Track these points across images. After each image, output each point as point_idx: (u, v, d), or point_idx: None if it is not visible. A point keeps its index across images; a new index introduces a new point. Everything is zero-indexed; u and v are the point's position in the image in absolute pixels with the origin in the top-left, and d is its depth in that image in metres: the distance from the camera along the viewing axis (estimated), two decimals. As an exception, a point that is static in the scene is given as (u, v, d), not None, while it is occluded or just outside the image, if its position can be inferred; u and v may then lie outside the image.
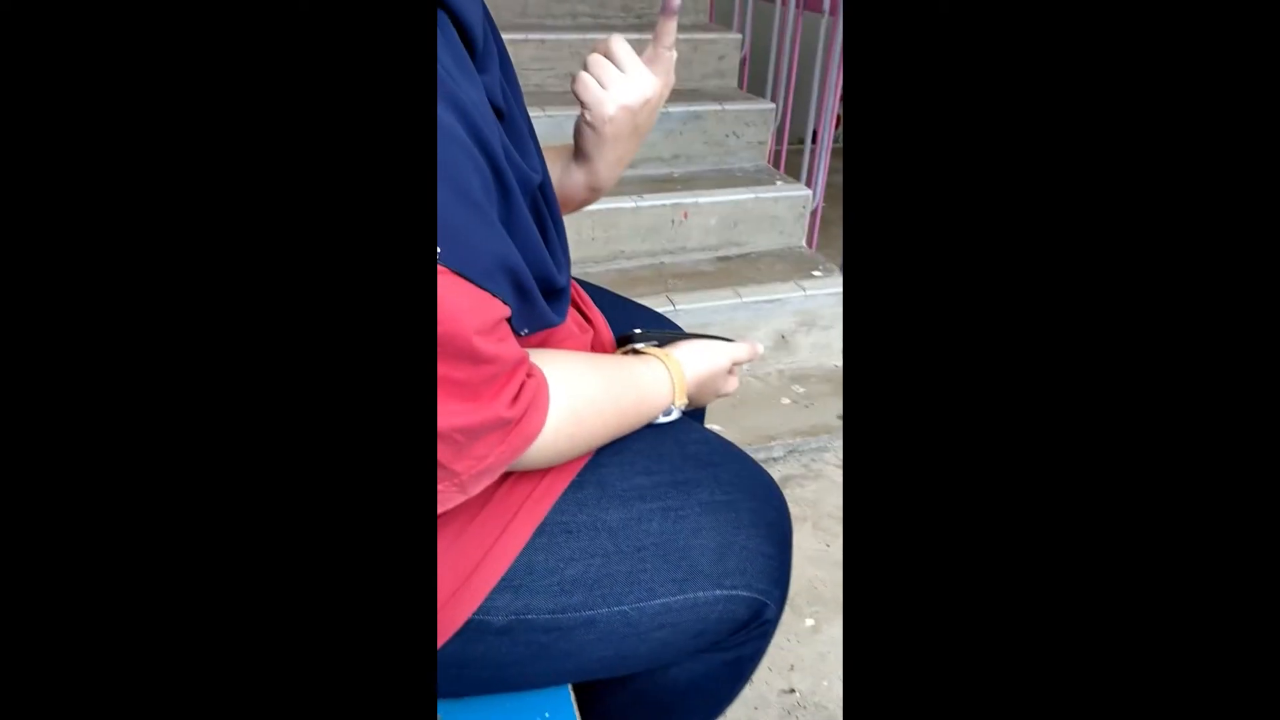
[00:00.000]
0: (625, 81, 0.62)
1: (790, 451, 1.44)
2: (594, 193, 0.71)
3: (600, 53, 0.62)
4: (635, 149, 0.68)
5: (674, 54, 0.65)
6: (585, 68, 0.63)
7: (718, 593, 0.58)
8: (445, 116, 0.40)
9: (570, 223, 1.77)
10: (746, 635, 0.61)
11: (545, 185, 0.57)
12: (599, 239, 1.60)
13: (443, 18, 0.46)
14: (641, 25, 1.92)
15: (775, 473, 1.39)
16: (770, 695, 1.00)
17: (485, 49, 0.53)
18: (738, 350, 0.68)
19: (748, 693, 1.00)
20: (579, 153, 0.67)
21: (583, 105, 0.63)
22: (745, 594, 0.59)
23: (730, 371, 0.69)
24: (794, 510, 1.31)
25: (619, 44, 0.62)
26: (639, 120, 0.64)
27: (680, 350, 0.64)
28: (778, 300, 1.57)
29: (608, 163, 0.67)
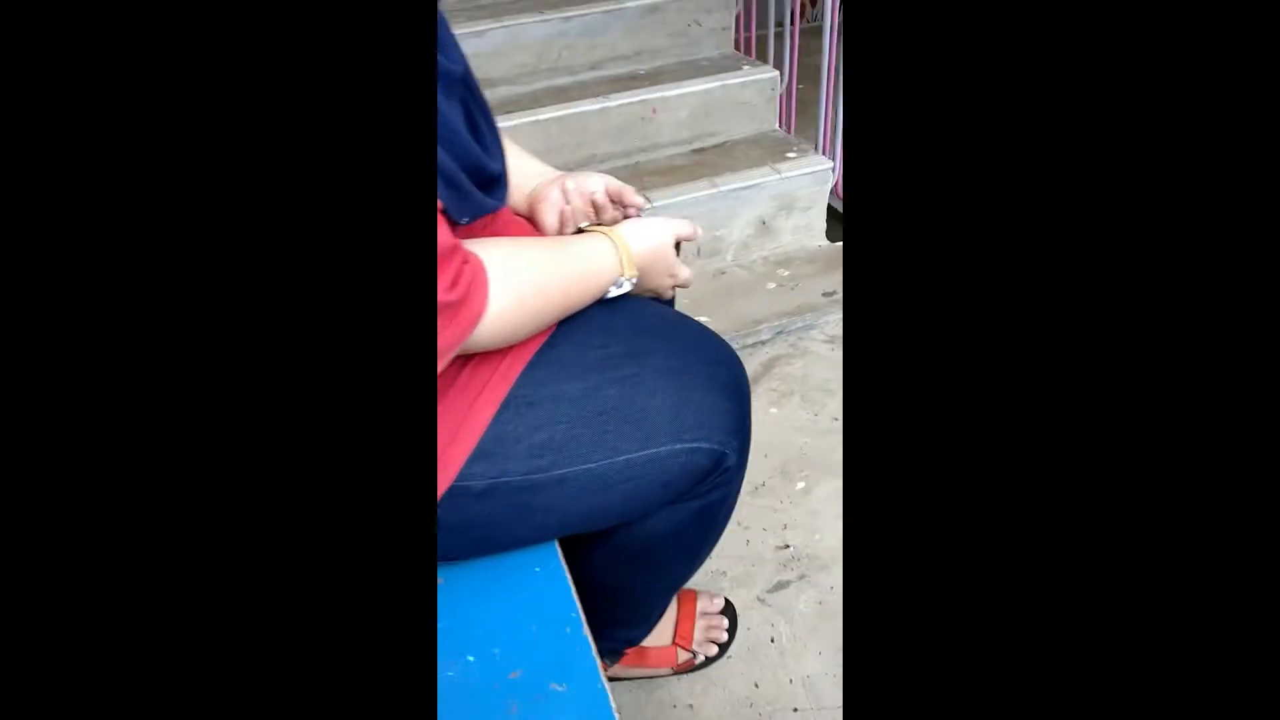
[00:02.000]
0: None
1: (777, 333, 1.49)
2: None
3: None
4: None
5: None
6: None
7: (678, 446, 0.63)
8: None
9: (537, 129, 1.76)
10: (711, 483, 0.67)
11: (468, 78, 0.60)
12: (569, 145, 1.61)
13: None
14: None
15: (764, 354, 1.44)
16: (766, 552, 1.08)
17: None
18: (680, 225, 0.71)
19: (745, 551, 1.08)
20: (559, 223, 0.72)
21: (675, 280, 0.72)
22: (705, 445, 0.64)
23: (678, 252, 0.72)
24: (783, 386, 1.37)
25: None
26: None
27: (624, 226, 0.68)
28: (754, 185, 1.57)
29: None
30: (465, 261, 0.53)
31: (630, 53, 1.73)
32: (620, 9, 1.67)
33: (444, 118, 0.52)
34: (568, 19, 1.65)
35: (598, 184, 0.73)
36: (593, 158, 1.64)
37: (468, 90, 0.59)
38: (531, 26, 1.64)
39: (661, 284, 0.72)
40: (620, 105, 1.60)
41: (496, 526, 0.62)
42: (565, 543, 0.69)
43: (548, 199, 0.72)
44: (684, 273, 0.73)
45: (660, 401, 0.63)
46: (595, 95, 1.61)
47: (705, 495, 0.68)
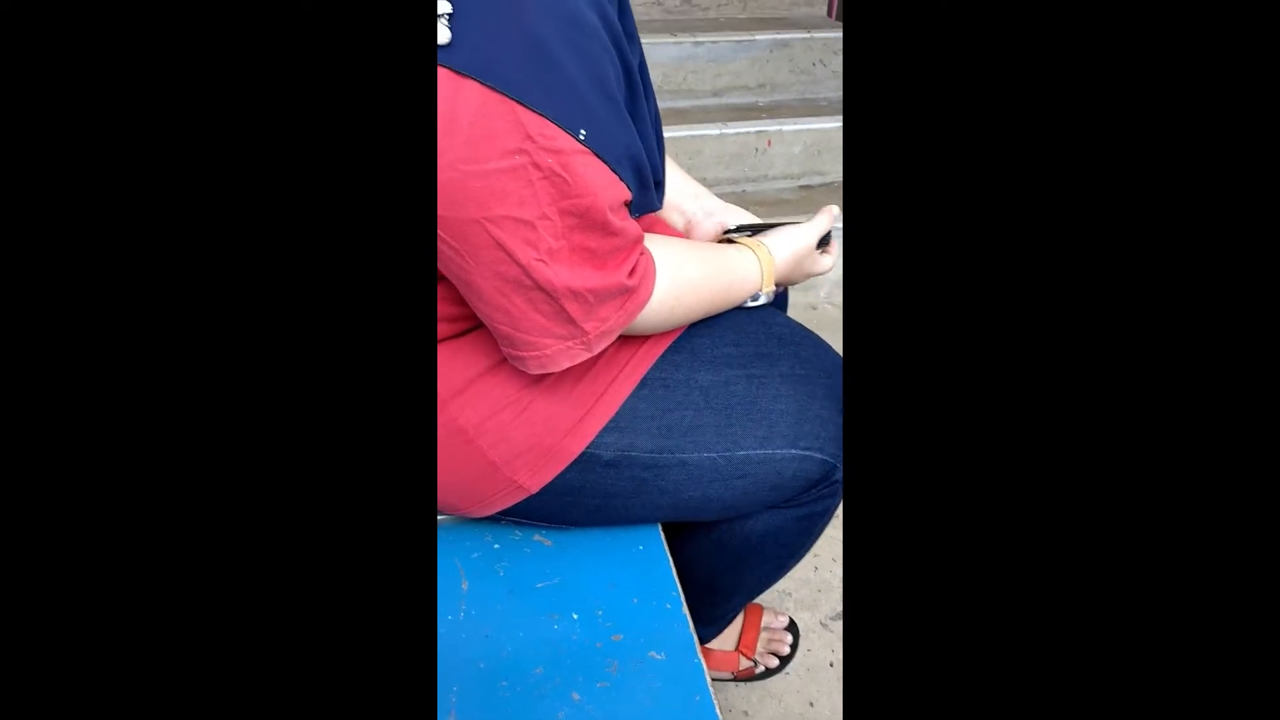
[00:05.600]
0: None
1: (862, 373, 1.50)
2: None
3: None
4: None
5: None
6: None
7: (793, 452, 0.66)
8: (589, 15, 0.48)
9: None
10: (818, 494, 0.70)
11: (642, 67, 0.63)
12: (683, 166, 1.66)
13: None
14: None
15: (846, 391, 1.46)
16: (834, 581, 1.09)
17: None
18: (820, 224, 0.73)
19: (812, 577, 1.09)
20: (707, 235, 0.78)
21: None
22: (818, 456, 0.67)
23: (822, 250, 0.75)
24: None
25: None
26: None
27: (771, 238, 0.71)
28: (857, 228, 1.60)
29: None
30: (642, 253, 0.57)
31: (753, 84, 1.79)
32: (751, 40, 1.73)
33: (641, 115, 0.57)
34: (698, 44, 1.72)
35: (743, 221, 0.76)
36: (703, 181, 1.69)
37: (642, 82, 0.62)
38: (663, 48, 1.71)
39: (800, 280, 0.76)
40: (737, 134, 1.66)
41: (615, 497, 0.65)
42: (667, 530, 0.73)
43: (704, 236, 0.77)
44: (824, 264, 0.76)
45: (783, 406, 0.66)
46: (714, 120, 1.66)
47: (809, 504, 0.71)
